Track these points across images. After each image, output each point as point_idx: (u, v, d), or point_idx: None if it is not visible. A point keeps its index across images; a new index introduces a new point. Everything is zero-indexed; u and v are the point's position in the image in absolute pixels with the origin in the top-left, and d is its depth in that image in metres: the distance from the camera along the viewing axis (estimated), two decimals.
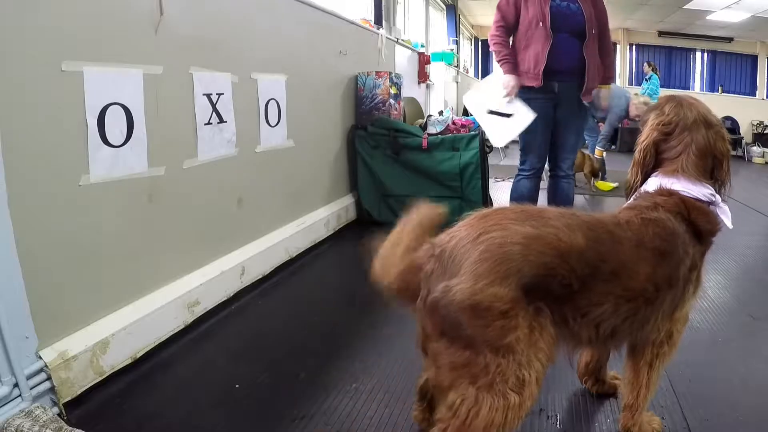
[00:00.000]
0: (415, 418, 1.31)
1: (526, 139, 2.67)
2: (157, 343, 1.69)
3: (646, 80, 8.76)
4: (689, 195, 1.15)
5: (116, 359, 1.53)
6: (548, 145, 2.66)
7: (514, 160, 5.22)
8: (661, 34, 10.10)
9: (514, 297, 0.93)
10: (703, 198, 1.16)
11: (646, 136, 1.23)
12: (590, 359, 1.47)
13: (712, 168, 1.20)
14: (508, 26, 2.57)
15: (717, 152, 1.18)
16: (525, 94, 2.56)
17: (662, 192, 1.16)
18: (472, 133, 3.20)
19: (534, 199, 2.79)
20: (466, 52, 10.75)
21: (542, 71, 2.45)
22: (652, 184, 1.19)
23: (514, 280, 0.93)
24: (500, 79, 2.57)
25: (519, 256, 0.94)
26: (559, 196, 2.74)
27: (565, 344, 1.10)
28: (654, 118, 1.23)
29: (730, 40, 9.68)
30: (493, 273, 0.92)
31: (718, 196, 1.19)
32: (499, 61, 2.57)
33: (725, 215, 1.19)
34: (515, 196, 2.78)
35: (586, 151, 5.01)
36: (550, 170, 2.76)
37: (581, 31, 2.44)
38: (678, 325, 1.21)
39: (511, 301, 0.93)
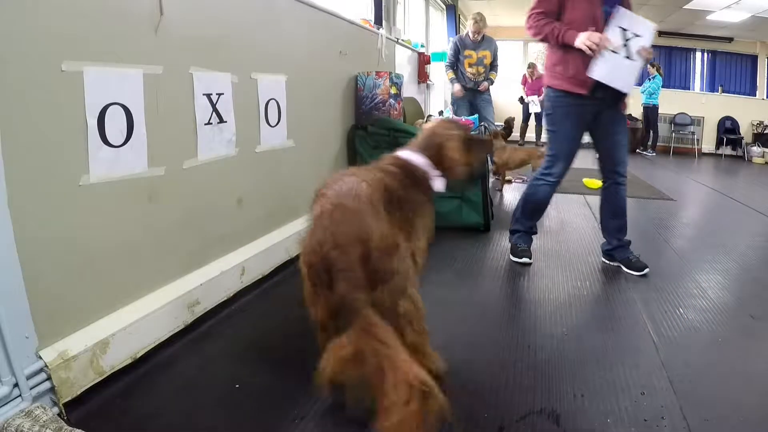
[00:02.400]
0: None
1: (560, 145, 2.50)
2: (157, 343, 1.69)
3: (650, 80, 8.78)
4: (406, 158, 1.60)
5: (116, 359, 1.53)
6: (576, 155, 2.52)
7: None
8: (661, 34, 10.08)
9: (392, 227, 1.30)
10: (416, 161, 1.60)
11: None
12: None
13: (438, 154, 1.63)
14: (550, 18, 2.35)
15: (441, 148, 1.64)
16: (565, 99, 2.40)
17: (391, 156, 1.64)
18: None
19: (545, 208, 2.68)
20: None
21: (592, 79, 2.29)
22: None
23: (382, 214, 1.28)
24: (589, 37, 2.22)
25: (378, 199, 1.32)
26: (619, 203, 2.56)
27: None
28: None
29: (730, 40, 9.67)
30: (377, 222, 1.25)
31: (431, 168, 1.60)
32: (558, 35, 2.29)
33: (437, 182, 1.61)
34: (533, 200, 2.63)
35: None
36: (607, 178, 2.56)
37: None
38: (418, 250, 1.50)
39: (393, 230, 1.30)
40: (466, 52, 4.92)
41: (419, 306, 1.32)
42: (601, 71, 2.26)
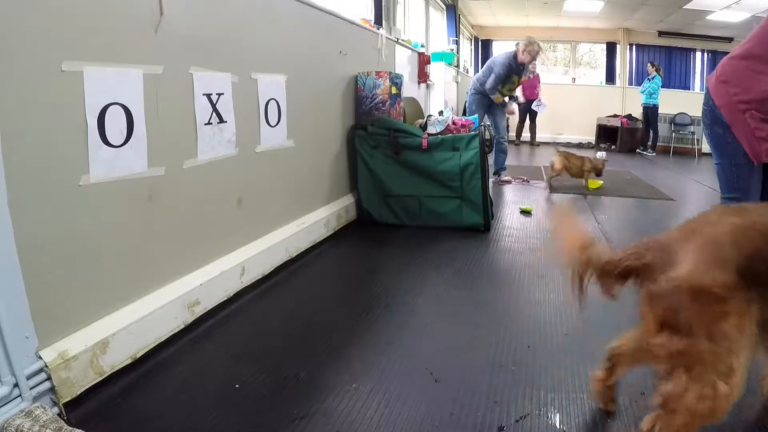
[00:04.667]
0: (596, 377, 1.40)
1: (748, 181, 1.80)
2: (157, 343, 1.69)
3: (649, 80, 8.78)
4: None
5: (116, 359, 1.53)
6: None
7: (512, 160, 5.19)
8: (661, 34, 10.09)
9: (731, 282, 0.98)
10: None
11: None
12: None
13: None
14: None
15: None
16: None
17: None
18: (472, 133, 3.20)
19: None
20: (466, 52, 10.75)
21: None
22: None
23: (729, 265, 0.99)
24: None
25: (730, 243, 1.01)
26: None
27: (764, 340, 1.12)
28: None
29: (730, 40, 9.67)
30: (710, 260, 1.00)
31: None
32: None
33: None
34: None
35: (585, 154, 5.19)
36: None
37: None
38: None
39: (728, 286, 0.98)
40: (513, 77, 4.93)
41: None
42: None
